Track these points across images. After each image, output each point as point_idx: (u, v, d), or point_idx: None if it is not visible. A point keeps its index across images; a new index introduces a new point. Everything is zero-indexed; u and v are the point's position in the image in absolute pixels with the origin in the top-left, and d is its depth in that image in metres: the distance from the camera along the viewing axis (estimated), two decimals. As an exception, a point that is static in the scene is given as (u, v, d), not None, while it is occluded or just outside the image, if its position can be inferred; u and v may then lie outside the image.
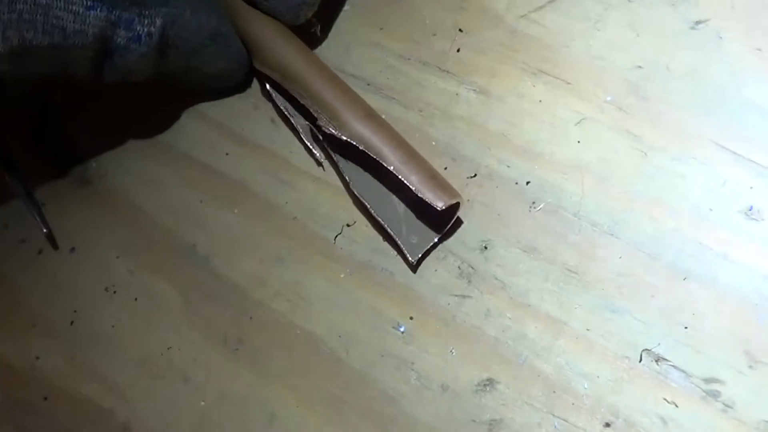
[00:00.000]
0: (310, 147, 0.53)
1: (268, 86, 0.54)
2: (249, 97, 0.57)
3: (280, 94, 0.54)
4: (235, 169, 0.55)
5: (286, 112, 0.53)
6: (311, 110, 0.51)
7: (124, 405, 0.52)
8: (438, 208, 0.47)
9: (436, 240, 0.50)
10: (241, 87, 0.57)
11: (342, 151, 0.52)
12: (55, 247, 0.56)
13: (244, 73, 0.55)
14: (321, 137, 0.52)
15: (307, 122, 0.53)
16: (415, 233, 0.50)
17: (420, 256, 0.50)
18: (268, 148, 0.55)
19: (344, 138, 0.50)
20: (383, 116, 0.53)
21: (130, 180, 0.57)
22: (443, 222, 0.50)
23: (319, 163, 0.53)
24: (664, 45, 0.52)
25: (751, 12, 0.52)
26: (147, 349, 0.52)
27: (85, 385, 0.53)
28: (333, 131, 0.50)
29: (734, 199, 0.48)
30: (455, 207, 0.49)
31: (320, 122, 0.51)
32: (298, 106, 0.53)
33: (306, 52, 0.53)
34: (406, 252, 0.50)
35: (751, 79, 0.50)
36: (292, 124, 0.54)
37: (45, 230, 0.56)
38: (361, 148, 0.49)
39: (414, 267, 0.50)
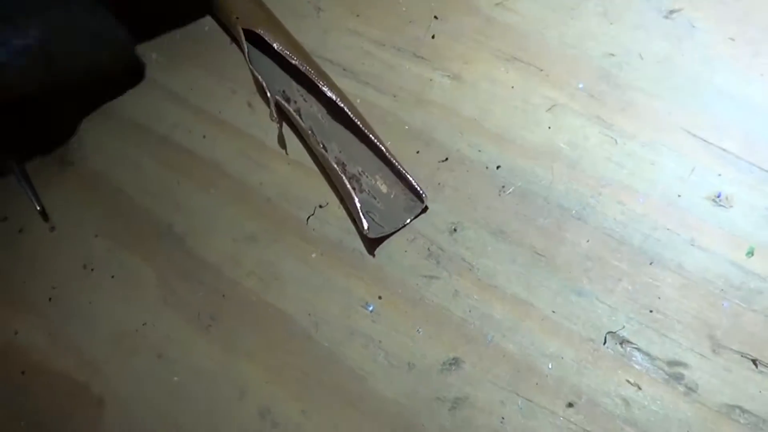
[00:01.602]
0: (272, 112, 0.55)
1: (246, 50, 0.56)
2: (227, 82, 0.59)
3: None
4: (212, 152, 0.57)
5: (261, 80, 0.55)
6: (300, 67, 0.54)
7: (99, 379, 0.54)
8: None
9: (397, 228, 0.52)
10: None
11: (316, 122, 0.54)
12: (46, 219, 0.58)
13: (134, 67, 0.58)
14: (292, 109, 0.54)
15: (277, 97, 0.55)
16: (382, 215, 0.52)
17: (378, 236, 0.52)
18: (244, 131, 0.57)
19: (333, 95, 0.52)
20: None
21: (110, 162, 0.59)
22: (410, 214, 0.52)
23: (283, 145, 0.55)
24: (637, 34, 0.54)
25: (725, 1, 0.54)
26: (123, 325, 0.54)
27: (62, 359, 0.55)
28: (322, 86, 0.52)
29: (703, 186, 0.50)
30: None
31: (312, 77, 0.53)
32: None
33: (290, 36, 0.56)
34: (364, 226, 0.51)
35: (723, 67, 0.52)
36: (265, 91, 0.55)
37: (38, 207, 0.58)
38: (344, 107, 0.52)
39: (370, 247, 0.52)
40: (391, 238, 0.52)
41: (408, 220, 0.52)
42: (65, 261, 0.57)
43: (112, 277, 0.55)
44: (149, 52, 0.60)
